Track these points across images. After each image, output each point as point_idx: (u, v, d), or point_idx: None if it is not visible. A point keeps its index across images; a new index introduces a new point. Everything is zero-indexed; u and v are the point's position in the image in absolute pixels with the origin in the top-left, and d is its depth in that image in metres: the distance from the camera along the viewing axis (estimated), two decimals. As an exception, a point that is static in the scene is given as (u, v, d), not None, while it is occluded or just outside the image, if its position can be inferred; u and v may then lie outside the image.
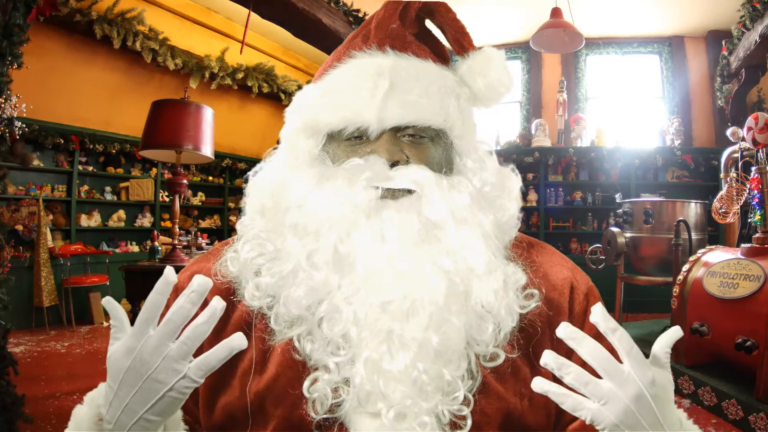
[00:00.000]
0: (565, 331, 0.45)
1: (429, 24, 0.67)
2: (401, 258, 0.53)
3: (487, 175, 0.62)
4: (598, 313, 0.46)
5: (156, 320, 0.46)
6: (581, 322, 0.62)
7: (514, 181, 0.64)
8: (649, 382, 0.45)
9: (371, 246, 0.53)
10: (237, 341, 0.45)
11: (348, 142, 0.60)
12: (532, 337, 0.57)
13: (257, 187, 0.63)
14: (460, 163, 0.63)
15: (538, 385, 0.45)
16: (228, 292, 0.60)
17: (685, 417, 0.55)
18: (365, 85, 0.58)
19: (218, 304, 0.44)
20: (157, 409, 0.45)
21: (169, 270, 0.45)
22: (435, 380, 0.50)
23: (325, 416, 0.51)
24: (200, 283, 0.44)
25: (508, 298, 0.55)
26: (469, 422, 0.50)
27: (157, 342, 0.44)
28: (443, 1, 0.64)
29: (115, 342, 0.46)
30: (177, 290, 0.63)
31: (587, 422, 0.45)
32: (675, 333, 0.48)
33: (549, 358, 0.45)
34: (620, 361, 0.46)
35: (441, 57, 0.65)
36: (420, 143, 0.60)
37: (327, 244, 0.54)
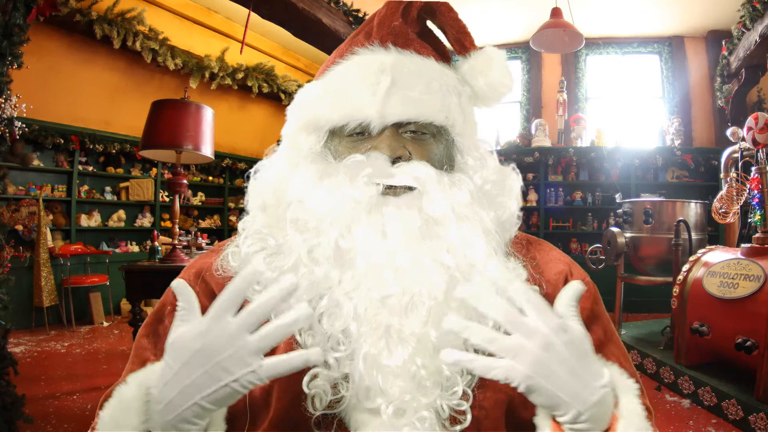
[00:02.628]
0: (466, 290, 0.43)
1: (430, 24, 0.68)
2: (401, 253, 0.53)
3: (488, 173, 0.62)
4: (495, 271, 0.44)
5: (236, 308, 0.44)
6: None
7: (514, 179, 0.64)
8: (557, 328, 0.43)
9: (372, 242, 0.53)
10: (315, 356, 0.43)
11: (350, 138, 0.60)
12: None
13: (259, 183, 0.63)
14: (461, 160, 0.63)
15: (448, 356, 0.43)
16: None
17: (620, 373, 0.52)
18: (367, 81, 0.58)
19: (305, 310, 0.43)
20: (214, 398, 0.43)
21: (258, 260, 0.43)
22: (434, 375, 0.50)
23: (324, 412, 0.51)
24: (290, 282, 0.43)
25: None
26: (469, 417, 0.50)
27: (235, 329, 0.43)
28: (445, 1, 0.64)
29: (183, 325, 0.45)
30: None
31: (502, 382, 0.43)
32: (576, 286, 0.46)
33: (452, 322, 0.43)
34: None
35: (443, 55, 0.65)
36: (421, 140, 0.60)
37: (328, 240, 0.54)
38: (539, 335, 0.42)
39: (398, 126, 0.59)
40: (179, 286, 0.46)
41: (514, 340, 0.43)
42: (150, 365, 0.54)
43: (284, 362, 0.43)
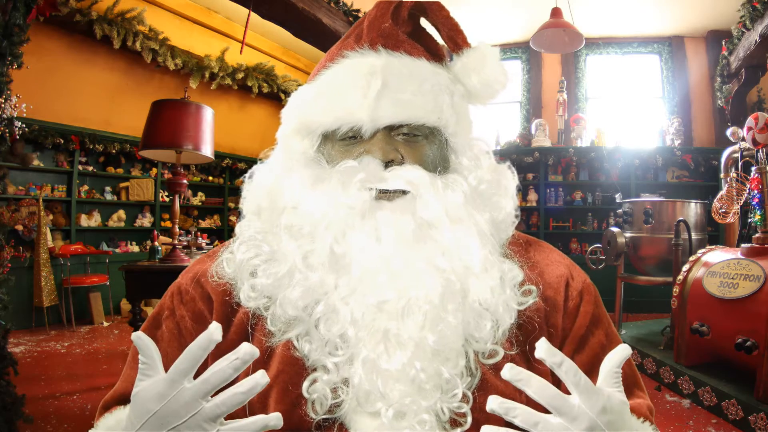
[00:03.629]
0: (510, 373, 0.43)
1: (424, 22, 0.67)
2: (396, 258, 0.53)
3: (483, 172, 0.61)
4: (543, 349, 0.43)
5: (192, 373, 0.44)
6: (573, 318, 0.62)
7: (509, 178, 0.64)
8: (600, 410, 0.44)
9: (366, 246, 0.53)
10: (274, 420, 0.43)
11: (342, 142, 0.60)
12: (531, 333, 0.57)
13: (253, 188, 0.63)
14: (455, 161, 0.63)
15: (487, 431, 0.43)
16: (225, 293, 0.60)
17: (647, 425, 0.55)
18: (358, 85, 0.58)
19: (261, 379, 0.43)
20: None
21: (214, 326, 0.43)
22: (433, 378, 0.50)
23: (324, 417, 0.51)
24: (247, 351, 0.43)
25: (506, 294, 0.55)
26: (470, 419, 0.50)
27: (190, 397, 0.43)
28: (436, 0, 0.64)
29: (146, 379, 0.45)
30: (180, 293, 0.64)
31: None
32: (622, 352, 0.46)
33: (495, 405, 0.43)
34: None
35: (435, 55, 0.64)
36: (414, 141, 0.60)
37: (323, 245, 0.54)
38: (583, 419, 0.43)
39: (390, 129, 0.59)
40: (139, 338, 0.46)
41: (556, 423, 0.43)
42: (121, 409, 0.57)
43: (243, 427, 0.44)
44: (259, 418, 0.44)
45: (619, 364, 0.46)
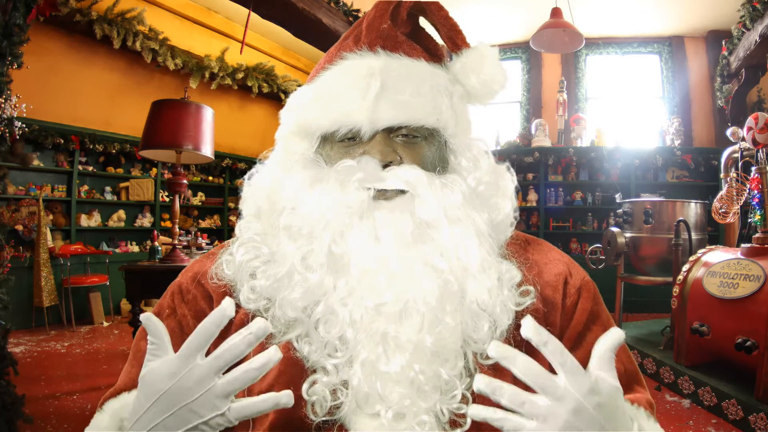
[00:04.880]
0: (496, 350, 0.42)
1: (423, 22, 0.67)
2: (394, 259, 0.53)
3: (482, 174, 0.61)
4: (530, 328, 0.43)
5: (205, 349, 0.44)
6: (571, 315, 0.62)
7: (508, 180, 0.64)
8: (587, 391, 0.43)
9: (365, 246, 0.53)
10: (285, 398, 0.44)
11: (341, 143, 0.60)
12: None
13: (253, 189, 0.63)
14: (454, 161, 0.62)
15: (475, 412, 0.43)
16: (225, 294, 0.60)
17: (645, 415, 0.54)
18: (356, 87, 0.58)
19: (274, 355, 0.43)
20: None
21: (227, 302, 0.43)
22: (432, 380, 0.50)
23: (324, 418, 0.51)
24: (260, 327, 0.43)
25: (503, 295, 0.55)
26: (469, 420, 0.50)
27: (202, 373, 0.43)
28: (435, 0, 0.64)
29: (155, 359, 0.45)
30: (182, 292, 0.64)
31: None
32: (614, 336, 0.46)
33: (482, 384, 0.42)
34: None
35: (434, 55, 0.64)
36: (413, 143, 0.60)
37: (321, 246, 0.54)
38: (570, 400, 0.42)
39: (389, 130, 0.59)
40: (148, 320, 0.46)
41: (544, 403, 0.43)
42: (125, 395, 0.56)
43: (253, 405, 0.44)
44: (270, 396, 0.44)
45: (611, 348, 0.45)
